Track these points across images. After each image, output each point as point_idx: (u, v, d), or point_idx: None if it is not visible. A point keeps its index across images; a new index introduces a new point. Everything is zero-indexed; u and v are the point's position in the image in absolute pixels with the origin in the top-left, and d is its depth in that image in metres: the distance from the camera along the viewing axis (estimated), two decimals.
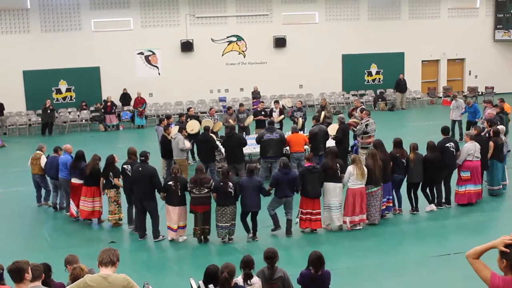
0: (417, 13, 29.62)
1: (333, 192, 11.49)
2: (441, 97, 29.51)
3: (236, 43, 27.73)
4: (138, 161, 11.75)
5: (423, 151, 12.66)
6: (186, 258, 10.92)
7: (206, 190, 11.00)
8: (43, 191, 14.19)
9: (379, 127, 16.35)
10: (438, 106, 28.73)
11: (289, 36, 27.82)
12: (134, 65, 26.65)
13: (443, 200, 12.90)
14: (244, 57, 27.88)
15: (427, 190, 12.70)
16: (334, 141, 15.15)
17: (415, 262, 10.20)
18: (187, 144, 14.96)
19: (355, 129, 15.62)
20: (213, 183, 11.08)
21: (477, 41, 30.40)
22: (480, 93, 29.00)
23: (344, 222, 11.65)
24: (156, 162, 14.81)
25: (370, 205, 11.78)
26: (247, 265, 6.86)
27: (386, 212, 12.29)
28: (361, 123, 15.49)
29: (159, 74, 27.09)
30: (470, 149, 12.64)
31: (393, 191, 12.39)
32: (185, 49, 26.84)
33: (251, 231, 11.28)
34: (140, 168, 11.45)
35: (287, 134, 15.39)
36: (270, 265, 7.01)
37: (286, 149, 14.97)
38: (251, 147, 15.28)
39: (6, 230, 12.66)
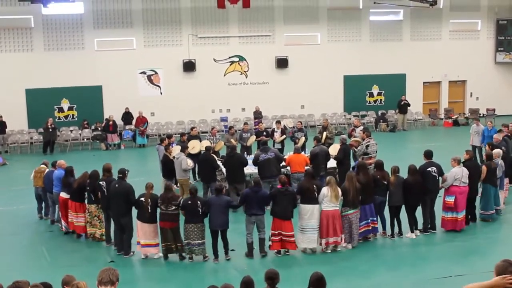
0: (419, 35, 29.78)
1: (310, 214, 11.40)
2: (442, 119, 29.55)
3: (238, 63, 27.85)
4: (117, 178, 11.99)
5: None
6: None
7: (174, 207, 11.20)
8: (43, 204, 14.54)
9: (380, 148, 16.33)
10: (440, 127, 28.76)
11: (291, 57, 27.95)
12: (136, 84, 26.75)
13: (429, 226, 12.59)
14: (246, 77, 27.99)
15: (410, 215, 12.36)
16: (336, 162, 15.11)
17: (411, 284, 10.09)
18: (190, 163, 14.94)
19: (356, 150, 15.59)
20: (181, 201, 11.28)
21: (479, 63, 30.52)
22: (481, 115, 29.02)
23: (320, 243, 11.57)
24: (157, 181, 14.77)
25: (347, 227, 11.61)
26: (248, 285, 6.78)
27: (372, 234, 12.13)
28: (362, 144, 15.47)
29: (161, 93, 27.17)
30: (457, 174, 12.27)
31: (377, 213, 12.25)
32: (187, 69, 26.96)
33: (224, 250, 11.27)
34: (116, 185, 11.72)
35: (289, 154, 15.38)
36: (271, 286, 6.90)
37: (287, 170, 14.94)
38: (252, 167, 15.24)
39: (6, 248, 12.59)
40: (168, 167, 15.22)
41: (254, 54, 27.71)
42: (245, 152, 17.49)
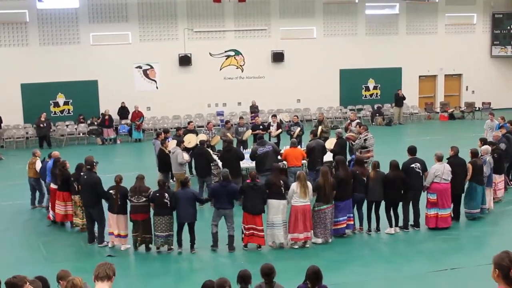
0: (415, 28, 29.77)
1: (276, 209, 11.37)
2: (438, 112, 29.60)
3: (234, 58, 27.80)
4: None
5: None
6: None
7: (144, 199, 11.40)
8: (37, 194, 14.96)
9: (376, 142, 16.36)
10: (436, 121, 28.81)
11: (287, 51, 27.92)
12: (132, 79, 26.68)
13: (412, 223, 12.36)
14: (242, 71, 27.94)
15: (391, 211, 12.20)
16: (332, 155, 15.12)
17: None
18: (186, 156, 14.93)
19: (354, 144, 15.60)
20: (151, 193, 11.44)
21: (474, 57, 30.54)
22: (477, 109, 29.13)
23: (290, 239, 11.51)
24: (154, 175, 14.76)
25: (320, 223, 11.53)
26: (244, 280, 6.75)
27: (347, 230, 12.05)
28: (360, 138, 15.50)
29: (157, 88, 27.11)
30: (437, 171, 12.03)
31: (354, 209, 12.15)
32: (183, 63, 26.90)
33: (190, 244, 11.45)
34: (85, 177, 11.99)
35: (285, 148, 15.39)
36: (268, 281, 6.88)
37: (284, 164, 14.94)
38: (248, 162, 15.23)
39: (2, 243, 12.57)
40: (163, 162, 15.21)
41: (250, 48, 27.66)
42: (241, 146, 17.50)
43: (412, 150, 12.47)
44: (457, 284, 9.90)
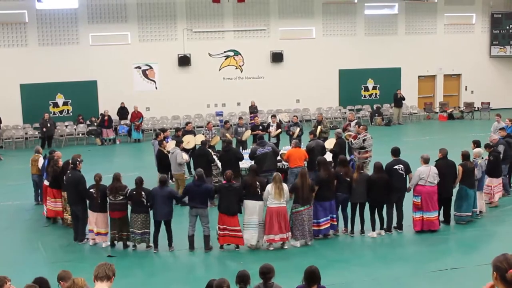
0: (414, 28, 29.79)
1: (252, 210, 11.38)
2: (437, 112, 29.61)
3: (233, 58, 27.80)
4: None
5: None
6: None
7: (121, 197, 11.63)
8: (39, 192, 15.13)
9: (375, 142, 16.36)
10: (435, 121, 28.81)
11: (286, 51, 27.93)
12: (131, 79, 26.67)
13: (395, 225, 12.26)
14: (241, 71, 27.95)
15: (375, 215, 12.12)
16: (331, 155, 15.13)
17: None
18: (185, 157, 14.94)
19: (353, 143, 15.58)
20: (128, 191, 11.66)
21: (473, 57, 30.56)
22: (476, 109, 29.14)
23: (265, 241, 11.50)
24: (153, 175, 14.78)
25: (298, 225, 11.46)
26: (243, 280, 6.77)
27: (332, 231, 12.02)
28: (359, 138, 15.49)
29: (156, 88, 27.11)
30: (422, 173, 11.86)
31: (338, 210, 12.08)
32: (182, 63, 26.91)
33: (167, 241, 11.59)
34: (70, 175, 12.24)
35: (284, 148, 15.36)
36: (264, 281, 6.88)
37: (284, 164, 14.93)
38: (248, 162, 15.22)
39: (1, 243, 12.56)
40: (162, 162, 15.22)
41: (249, 49, 27.66)
42: (241, 147, 17.50)
43: (395, 152, 12.37)
44: (450, 284, 9.90)
